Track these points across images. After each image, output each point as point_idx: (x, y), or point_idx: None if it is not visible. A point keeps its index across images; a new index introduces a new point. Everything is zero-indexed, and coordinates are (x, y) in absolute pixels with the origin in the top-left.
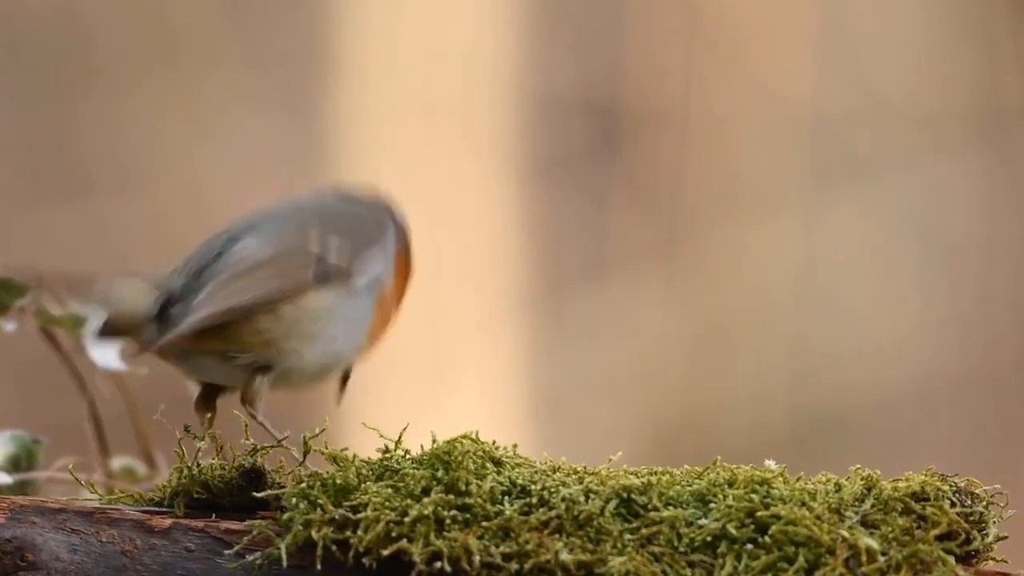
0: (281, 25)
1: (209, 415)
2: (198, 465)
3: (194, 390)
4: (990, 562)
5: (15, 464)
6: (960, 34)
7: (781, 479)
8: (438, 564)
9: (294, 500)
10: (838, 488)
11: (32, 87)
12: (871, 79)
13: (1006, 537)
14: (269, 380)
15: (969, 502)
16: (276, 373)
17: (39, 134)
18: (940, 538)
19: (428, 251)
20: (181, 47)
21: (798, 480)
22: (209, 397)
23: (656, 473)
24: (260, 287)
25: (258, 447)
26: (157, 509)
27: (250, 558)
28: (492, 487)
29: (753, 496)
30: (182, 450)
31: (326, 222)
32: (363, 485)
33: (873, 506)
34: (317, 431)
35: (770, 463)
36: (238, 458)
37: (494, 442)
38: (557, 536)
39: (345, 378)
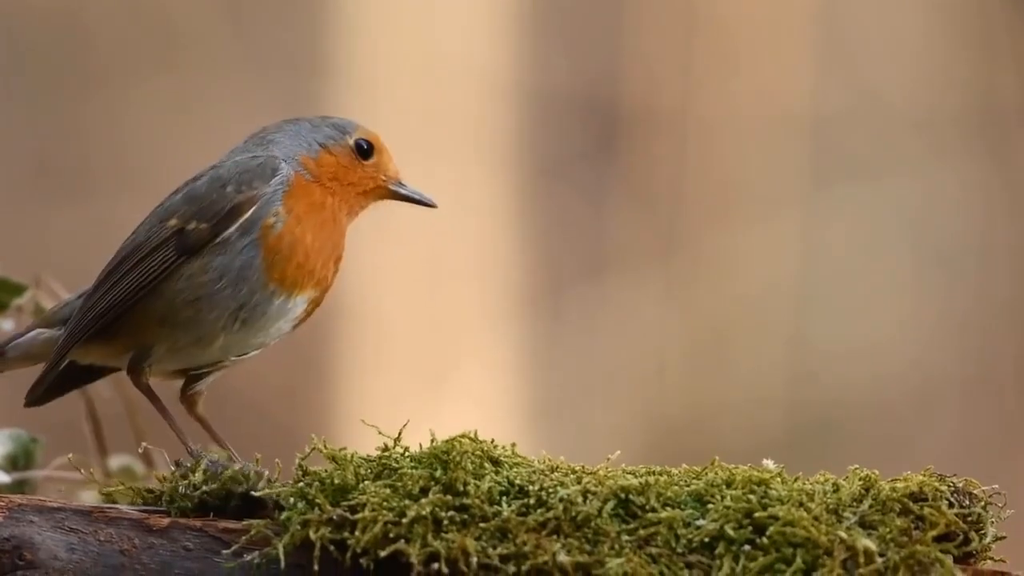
0: (282, 27)
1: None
2: (194, 488)
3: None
4: (988, 562)
5: (13, 463)
6: (957, 36)
7: (779, 479)
8: (436, 565)
9: (292, 500)
10: (836, 488)
11: (34, 89)
12: (869, 81)
13: (1004, 537)
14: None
15: (967, 503)
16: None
17: (40, 135)
18: (938, 539)
19: (427, 251)
20: (182, 49)
21: (796, 480)
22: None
23: (654, 473)
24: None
25: (262, 471)
26: (155, 508)
27: (248, 557)
28: (490, 487)
29: (751, 497)
30: (176, 478)
31: (191, 195)
32: (361, 484)
33: (871, 507)
34: (318, 439)
35: (768, 463)
36: (243, 464)
37: (492, 441)
38: (555, 537)
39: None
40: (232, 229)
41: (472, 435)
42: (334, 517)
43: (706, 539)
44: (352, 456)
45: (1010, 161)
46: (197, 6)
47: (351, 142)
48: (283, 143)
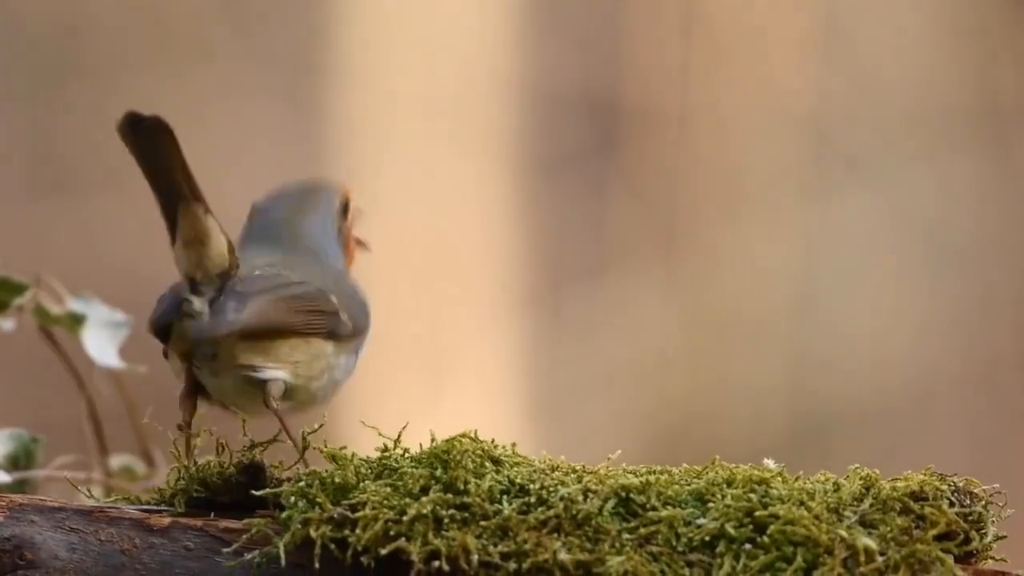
0: (277, 20)
1: (193, 411)
2: (196, 463)
3: (179, 386)
4: (989, 561)
5: (14, 462)
6: (960, 32)
7: (780, 478)
8: (436, 563)
9: (292, 498)
10: (837, 488)
11: (26, 84)
12: (870, 78)
13: (1004, 537)
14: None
15: (968, 502)
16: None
17: (34, 131)
18: (938, 538)
19: (427, 249)
20: (176, 43)
21: (796, 479)
22: (192, 394)
23: (655, 472)
24: (305, 316)
25: (255, 443)
26: (156, 508)
27: (249, 556)
28: (491, 486)
29: (752, 495)
30: (178, 449)
31: (341, 294)
32: (362, 484)
33: (872, 506)
34: (316, 427)
35: (769, 462)
36: (236, 454)
37: (493, 441)
38: (555, 535)
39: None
40: (362, 345)
41: (472, 435)
42: (335, 515)
43: (707, 538)
44: (352, 456)
45: (1012, 157)
46: (194, 1)
47: (342, 211)
48: (333, 254)
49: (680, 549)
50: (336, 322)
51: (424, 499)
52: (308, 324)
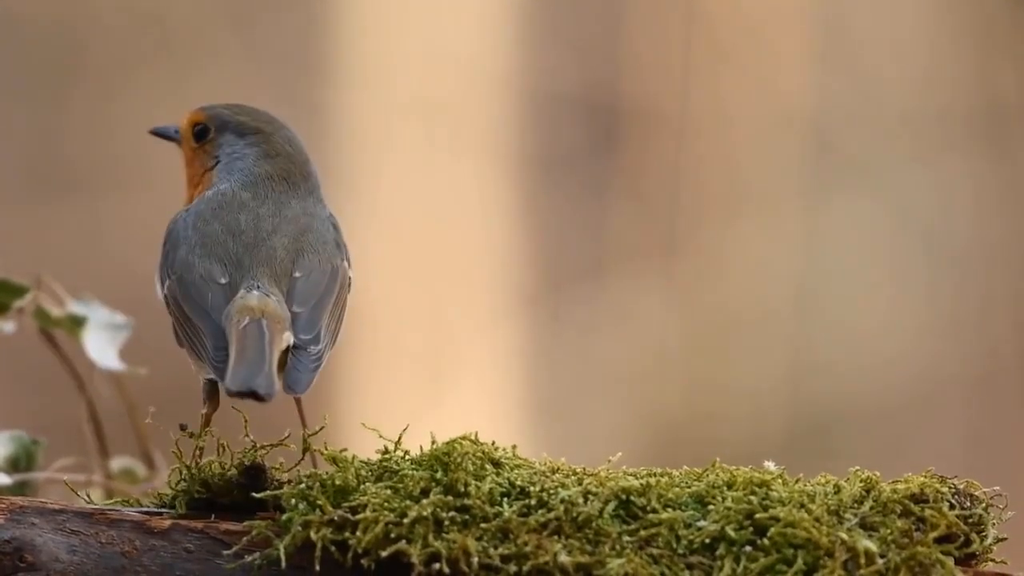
0: (279, 22)
1: (217, 405)
2: (197, 463)
3: (202, 382)
4: (989, 564)
5: (14, 465)
6: (959, 33)
7: (780, 481)
8: (437, 565)
9: (293, 501)
10: (837, 490)
11: (26, 86)
12: (870, 78)
13: (1005, 539)
14: None
15: (968, 504)
16: None
17: (34, 133)
18: (939, 540)
19: (427, 249)
20: (177, 44)
21: (797, 482)
22: (216, 389)
23: (655, 474)
24: (340, 322)
25: (257, 445)
26: (156, 510)
27: (249, 559)
28: (491, 488)
29: (752, 498)
30: (180, 450)
31: (342, 242)
32: (362, 486)
33: (872, 508)
34: (317, 428)
35: (769, 464)
36: (237, 455)
37: (493, 443)
38: (556, 538)
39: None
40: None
41: (472, 437)
42: (335, 518)
43: (707, 540)
44: (353, 458)
45: (1013, 158)
46: (194, 1)
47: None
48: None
49: (680, 551)
50: (352, 281)
51: (424, 501)
52: (344, 307)
